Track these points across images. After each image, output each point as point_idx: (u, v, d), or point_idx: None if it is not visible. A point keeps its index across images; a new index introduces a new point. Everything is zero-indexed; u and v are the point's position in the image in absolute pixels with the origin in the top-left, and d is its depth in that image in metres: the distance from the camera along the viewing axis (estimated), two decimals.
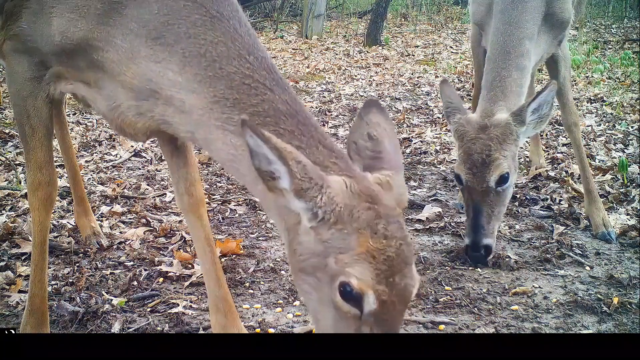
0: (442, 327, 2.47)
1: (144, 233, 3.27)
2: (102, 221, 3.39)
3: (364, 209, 1.43)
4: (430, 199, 3.88)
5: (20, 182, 3.85)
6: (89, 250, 3.06)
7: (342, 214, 1.43)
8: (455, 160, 4.61)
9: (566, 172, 4.16)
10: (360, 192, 1.46)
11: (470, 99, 6.64)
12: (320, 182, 1.43)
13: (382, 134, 1.64)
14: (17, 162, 4.22)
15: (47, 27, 1.84)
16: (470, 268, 2.96)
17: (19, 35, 1.93)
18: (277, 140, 1.39)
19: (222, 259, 2.97)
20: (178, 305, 2.58)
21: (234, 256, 3.04)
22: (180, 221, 3.39)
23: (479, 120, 2.82)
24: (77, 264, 2.93)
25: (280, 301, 2.64)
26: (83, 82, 1.91)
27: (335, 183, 1.46)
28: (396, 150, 1.66)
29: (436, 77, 8.08)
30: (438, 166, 4.51)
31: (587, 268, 2.94)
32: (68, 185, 3.44)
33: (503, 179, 2.78)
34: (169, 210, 3.63)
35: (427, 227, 3.43)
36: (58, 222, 3.37)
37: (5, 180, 3.98)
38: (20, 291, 2.66)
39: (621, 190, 3.80)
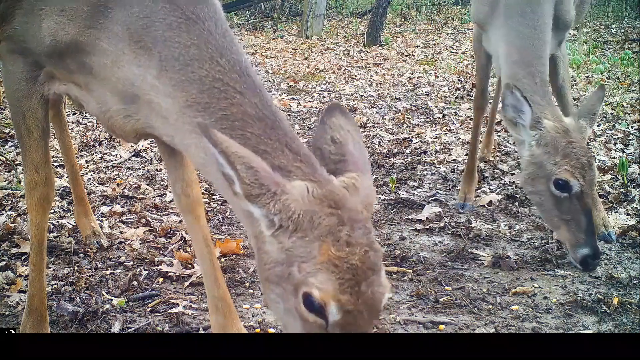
0: (442, 327, 2.47)
1: (144, 233, 3.27)
2: (102, 221, 3.39)
3: (326, 215, 1.39)
4: (430, 199, 3.88)
5: (20, 182, 3.84)
6: (89, 250, 3.06)
7: (302, 221, 1.38)
8: (455, 160, 4.62)
9: None
10: (322, 197, 1.41)
11: (471, 100, 6.65)
12: (274, 188, 1.39)
13: (345, 136, 1.60)
14: (17, 162, 4.22)
15: (38, 28, 1.84)
16: (470, 268, 2.96)
17: (12, 36, 1.94)
18: (229, 144, 1.37)
19: (222, 259, 2.97)
20: (178, 305, 2.58)
21: (234, 256, 3.04)
22: (180, 221, 3.38)
23: (557, 124, 2.71)
24: (77, 264, 2.93)
25: None
26: (75, 84, 1.92)
27: (295, 189, 1.42)
28: (361, 151, 1.60)
29: (436, 77, 8.08)
30: (438, 166, 4.51)
31: None
32: (68, 185, 3.44)
33: None
34: (169, 210, 3.63)
35: (427, 227, 3.43)
36: (58, 222, 3.37)
37: (5, 180, 3.98)
38: (20, 291, 2.66)
39: (621, 190, 3.80)
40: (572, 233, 2.69)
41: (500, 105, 3.47)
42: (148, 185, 4.03)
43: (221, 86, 1.60)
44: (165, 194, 3.86)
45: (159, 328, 2.43)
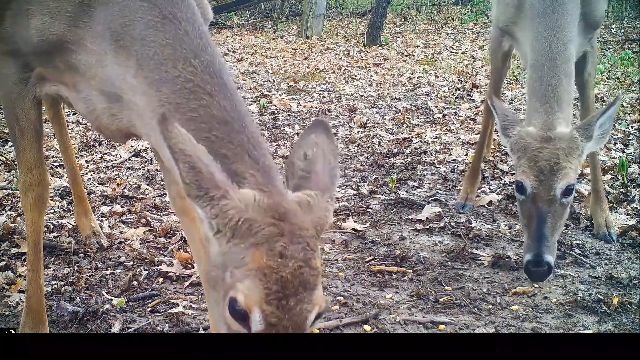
0: (442, 327, 2.47)
1: (144, 233, 3.27)
2: (102, 221, 3.39)
3: (266, 225, 1.35)
4: (430, 199, 3.88)
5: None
6: (89, 250, 3.06)
7: (240, 228, 1.34)
8: (455, 160, 4.62)
9: None
10: (268, 207, 1.38)
11: (471, 100, 6.65)
12: (213, 192, 1.35)
13: (317, 154, 1.56)
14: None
15: (26, 28, 1.86)
16: (470, 268, 2.96)
17: (3, 37, 1.95)
18: (181, 141, 1.34)
19: None
20: (178, 305, 2.58)
21: None
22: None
23: (541, 133, 2.64)
24: (77, 264, 2.93)
25: None
26: (64, 84, 1.93)
27: (241, 195, 1.38)
28: (329, 172, 1.54)
29: (436, 77, 8.08)
30: (438, 166, 4.51)
31: (587, 268, 2.94)
32: (68, 185, 3.44)
33: (569, 191, 2.58)
34: (169, 210, 3.62)
35: (427, 227, 3.43)
36: (58, 222, 3.37)
37: (5, 180, 3.98)
38: (20, 291, 2.66)
39: (621, 190, 3.80)
40: (526, 238, 2.63)
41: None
42: (148, 185, 4.03)
43: (192, 87, 1.59)
44: (165, 194, 3.86)
45: (159, 328, 2.43)
